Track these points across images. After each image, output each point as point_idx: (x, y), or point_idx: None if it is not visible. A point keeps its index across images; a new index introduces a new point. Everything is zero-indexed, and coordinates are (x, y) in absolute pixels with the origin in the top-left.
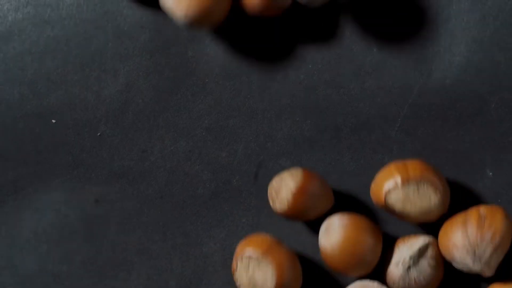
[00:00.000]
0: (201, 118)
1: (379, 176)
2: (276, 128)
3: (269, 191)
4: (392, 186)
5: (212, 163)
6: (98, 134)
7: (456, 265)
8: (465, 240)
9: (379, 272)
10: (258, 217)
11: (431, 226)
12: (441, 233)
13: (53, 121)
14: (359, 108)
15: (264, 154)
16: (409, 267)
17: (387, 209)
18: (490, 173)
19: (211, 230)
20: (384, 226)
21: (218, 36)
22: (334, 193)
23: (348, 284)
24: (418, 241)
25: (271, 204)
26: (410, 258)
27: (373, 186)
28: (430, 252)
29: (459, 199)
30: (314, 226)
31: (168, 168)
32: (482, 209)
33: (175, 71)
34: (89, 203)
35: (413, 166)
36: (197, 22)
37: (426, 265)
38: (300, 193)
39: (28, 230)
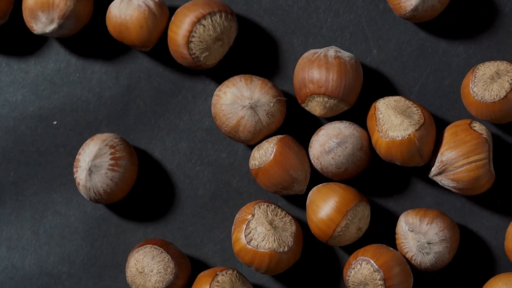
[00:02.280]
0: (202, 119)
1: None
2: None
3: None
4: None
5: (212, 164)
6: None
7: None
8: None
9: None
10: None
11: None
12: None
13: (55, 122)
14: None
15: None
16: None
17: None
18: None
19: (211, 231)
20: None
21: None
22: None
23: None
24: None
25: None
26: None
27: None
28: None
29: None
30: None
31: (168, 169)
32: None
33: (176, 73)
34: (89, 204)
35: None
36: None
37: None
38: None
39: (29, 230)
